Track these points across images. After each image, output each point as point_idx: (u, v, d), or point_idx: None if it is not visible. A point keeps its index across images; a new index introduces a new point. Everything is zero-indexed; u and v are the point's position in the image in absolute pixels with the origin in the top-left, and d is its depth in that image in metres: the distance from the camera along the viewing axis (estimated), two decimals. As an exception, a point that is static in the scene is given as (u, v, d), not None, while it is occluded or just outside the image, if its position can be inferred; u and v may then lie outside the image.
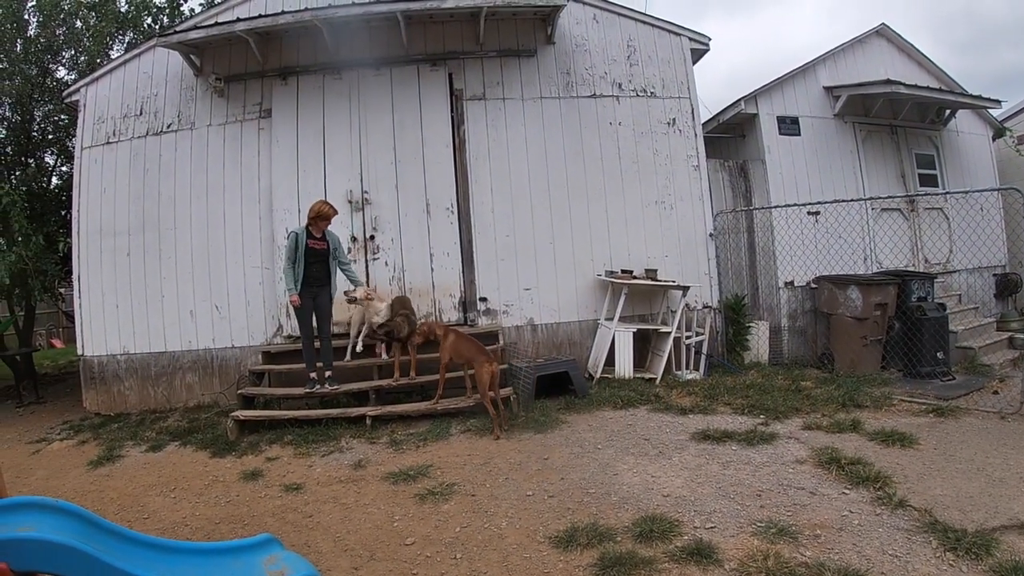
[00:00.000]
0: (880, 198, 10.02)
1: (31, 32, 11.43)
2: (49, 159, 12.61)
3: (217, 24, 8.73)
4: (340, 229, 8.73)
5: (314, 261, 7.38)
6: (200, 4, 13.33)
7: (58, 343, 20.22)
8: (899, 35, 11.82)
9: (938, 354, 8.37)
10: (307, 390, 7.62)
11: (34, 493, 5.11)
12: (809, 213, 9.77)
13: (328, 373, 7.68)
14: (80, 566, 2.48)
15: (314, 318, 7.57)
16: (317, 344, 7.68)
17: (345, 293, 7.85)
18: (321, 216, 7.33)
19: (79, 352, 9.35)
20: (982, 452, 5.29)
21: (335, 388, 7.64)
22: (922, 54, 12.02)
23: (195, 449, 6.99)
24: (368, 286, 8.51)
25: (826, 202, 9.37)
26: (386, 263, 8.92)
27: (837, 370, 8.72)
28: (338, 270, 7.72)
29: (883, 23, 11.70)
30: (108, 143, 9.40)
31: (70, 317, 13.13)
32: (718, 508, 4.41)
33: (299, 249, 7.27)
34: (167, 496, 5.65)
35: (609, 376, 8.40)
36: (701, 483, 4.90)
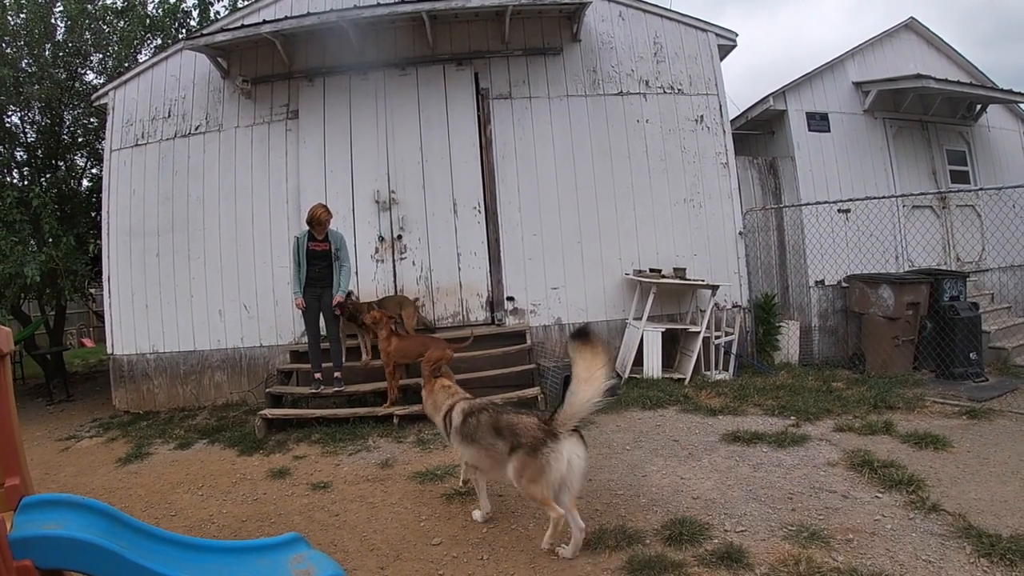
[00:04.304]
0: (912, 195, 9.82)
1: (59, 36, 11.57)
2: (79, 161, 12.76)
3: (244, 27, 8.79)
4: (367, 229, 8.83)
5: (316, 262, 7.50)
6: (225, 7, 13.42)
7: (88, 342, 20.43)
8: (928, 29, 11.66)
9: (971, 355, 8.24)
10: (312, 390, 7.69)
11: (62, 490, 5.19)
12: (840, 211, 9.65)
13: (337, 374, 7.72)
14: (106, 564, 2.47)
15: (321, 319, 7.70)
16: (326, 345, 7.77)
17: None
18: (315, 220, 7.40)
19: (109, 351, 9.46)
20: (1016, 455, 5.18)
21: (340, 389, 7.70)
22: (952, 48, 11.84)
23: (223, 447, 7.04)
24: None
25: (857, 199, 9.23)
26: (413, 262, 8.92)
27: (868, 371, 8.59)
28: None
29: (912, 17, 11.54)
30: (137, 145, 9.50)
31: (100, 317, 13.31)
32: (748, 511, 4.35)
33: (300, 252, 7.45)
34: (194, 494, 5.69)
35: (637, 376, 8.32)
36: (731, 485, 4.84)
